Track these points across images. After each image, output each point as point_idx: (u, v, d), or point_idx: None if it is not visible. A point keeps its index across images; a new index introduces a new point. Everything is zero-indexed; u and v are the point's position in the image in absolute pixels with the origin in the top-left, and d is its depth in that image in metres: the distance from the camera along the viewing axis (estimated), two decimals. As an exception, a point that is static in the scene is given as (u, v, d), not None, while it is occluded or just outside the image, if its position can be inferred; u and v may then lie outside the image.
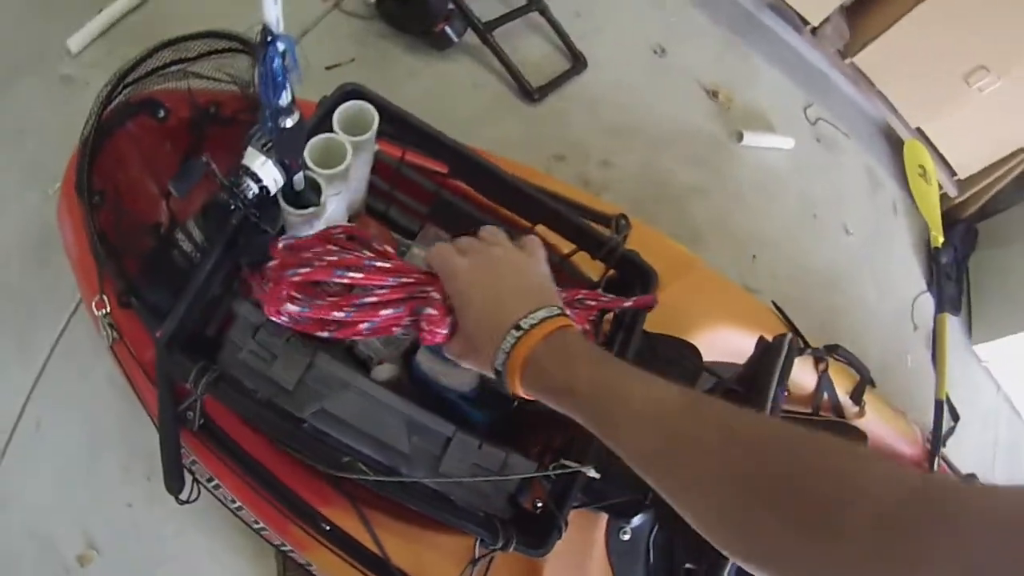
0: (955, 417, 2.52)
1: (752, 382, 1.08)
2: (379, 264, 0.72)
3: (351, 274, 0.70)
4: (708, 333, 1.28)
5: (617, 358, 0.64)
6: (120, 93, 1.00)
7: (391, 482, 0.75)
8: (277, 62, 0.59)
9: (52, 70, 1.68)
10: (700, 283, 1.42)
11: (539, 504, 0.87)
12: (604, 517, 1.07)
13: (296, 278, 0.69)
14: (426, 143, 0.94)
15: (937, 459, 1.74)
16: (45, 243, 1.46)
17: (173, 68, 1.02)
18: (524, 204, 0.98)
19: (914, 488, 0.43)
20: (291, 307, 0.69)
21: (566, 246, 1.03)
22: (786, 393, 1.53)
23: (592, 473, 0.80)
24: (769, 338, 1.14)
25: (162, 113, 1.01)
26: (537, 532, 0.81)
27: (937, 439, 1.78)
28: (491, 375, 0.67)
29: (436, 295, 0.71)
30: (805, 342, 1.52)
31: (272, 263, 0.73)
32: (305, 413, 0.75)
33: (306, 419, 0.76)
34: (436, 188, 1.01)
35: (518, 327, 0.64)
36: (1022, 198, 3.09)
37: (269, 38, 0.57)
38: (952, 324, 2.83)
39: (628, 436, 0.57)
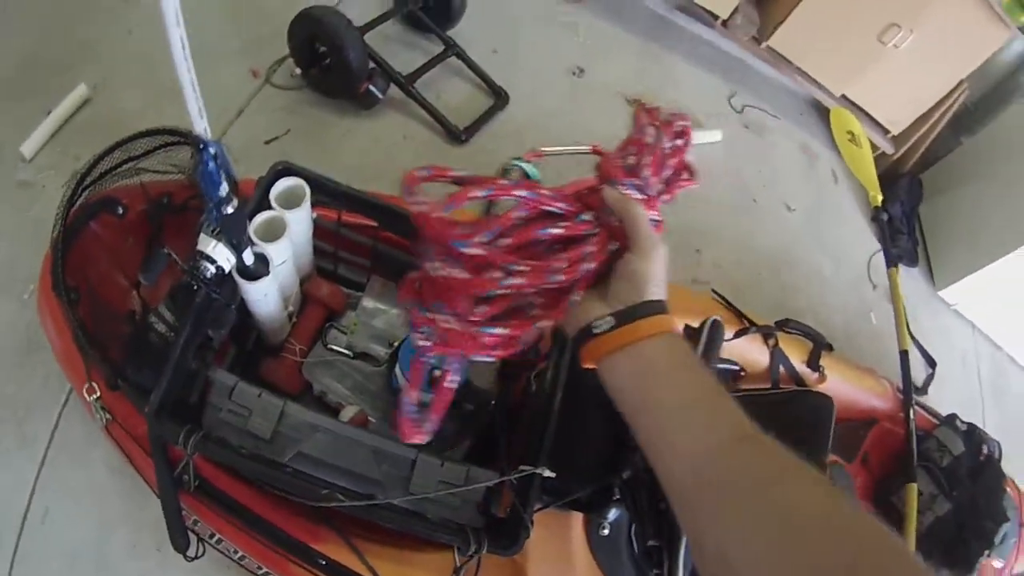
0: (931, 364, 2.60)
1: None
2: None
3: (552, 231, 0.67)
4: None
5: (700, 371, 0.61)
6: (80, 196, 1.09)
7: (367, 505, 0.84)
8: (211, 164, 0.69)
9: (9, 177, 1.73)
10: None
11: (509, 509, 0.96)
12: (580, 517, 1.13)
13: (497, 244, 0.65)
14: (354, 204, 1.04)
15: (912, 408, 1.77)
16: (28, 346, 1.51)
17: (125, 167, 1.12)
18: None
19: None
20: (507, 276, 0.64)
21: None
22: (742, 372, 1.64)
23: (547, 473, 0.89)
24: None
25: (120, 210, 1.10)
26: (506, 534, 0.90)
27: (908, 389, 1.81)
28: (572, 329, 0.66)
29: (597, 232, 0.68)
30: (750, 322, 1.61)
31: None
32: (284, 458, 0.85)
33: (286, 463, 0.85)
34: (372, 242, 1.12)
35: (646, 302, 0.62)
36: (959, 143, 3.22)
37: (201, 146, 0.67)
38: (914, 275, 3.00)
39: (665, 470, 0.57)
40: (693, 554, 0.55)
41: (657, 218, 0.71)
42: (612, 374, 0.61)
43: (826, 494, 0.51)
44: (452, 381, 0.66)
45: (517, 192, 0.67)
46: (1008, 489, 1.81)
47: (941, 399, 2.34)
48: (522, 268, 0.64)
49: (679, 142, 0.76)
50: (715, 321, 1.15)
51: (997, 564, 1.75)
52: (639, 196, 0.69)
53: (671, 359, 0.61)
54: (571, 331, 0.66)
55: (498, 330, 0.64)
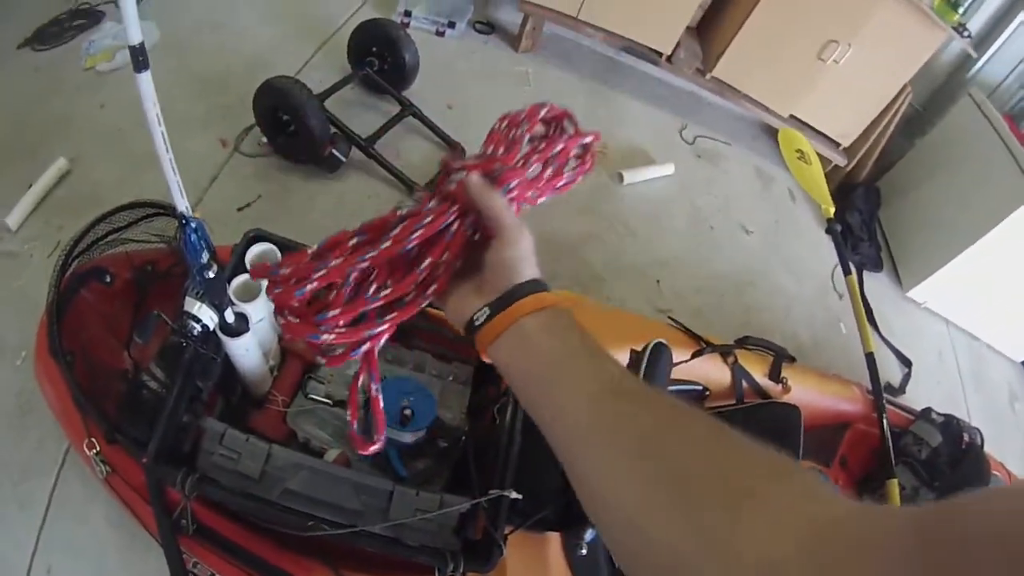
0: (906, 363, 2.71)
1: None
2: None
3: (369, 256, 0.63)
4: None
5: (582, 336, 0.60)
6: (70, 266, 1.18)
7: (350, 533, 0.92)
8: (193, 237, 0.78)
9: (-5, 250, 1.79)
10: (588, 319, 1.52)
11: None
12: (558, 538, 1.19)
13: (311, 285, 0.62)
14: (321, 262, 1.13)
15: (883, 406, 1.81)
16: (23, 409, 1.56)
17: (110, 237, 1.21)
18: None
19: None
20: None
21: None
22: (706, 392, 1.71)
23: (514, 495, 0.98)
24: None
25: (108, 278, 1.19)
26: (481, 554, 0.99)
27: (877, 389, 1.85)
28: (460, 326, 0.66)
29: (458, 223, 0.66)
30: (707, 343, 1.69)
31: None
32: (273, 495, 0.93)
33: (275, 499, 0.93)
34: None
35: (516, 286, 0.62)
36: (912, 145, 3.36)
37: (184, 222, 0.76)
38: (880, 279, 3.10)
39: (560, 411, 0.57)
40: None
41: (517, 198, 0.69)
42: (497, 356, 0.63)
43: (709, 442, 0.50)
44: (377, 391, 0.69)
45: (361, 259, 0.63)
46: (997, 471, 1.85)
47: (922, 396, 2.42)
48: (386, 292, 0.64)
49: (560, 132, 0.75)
50: (658, 343, 1.22)
51: None
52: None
53: (548, 327, 0.60)
54: (458, 327, 0.67)
55: (385, 325, 0.63)
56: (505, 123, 0.73)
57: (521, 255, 0.64)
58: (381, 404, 0.69)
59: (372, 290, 0.62)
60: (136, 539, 1.42)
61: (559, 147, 0.72)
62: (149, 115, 0.63)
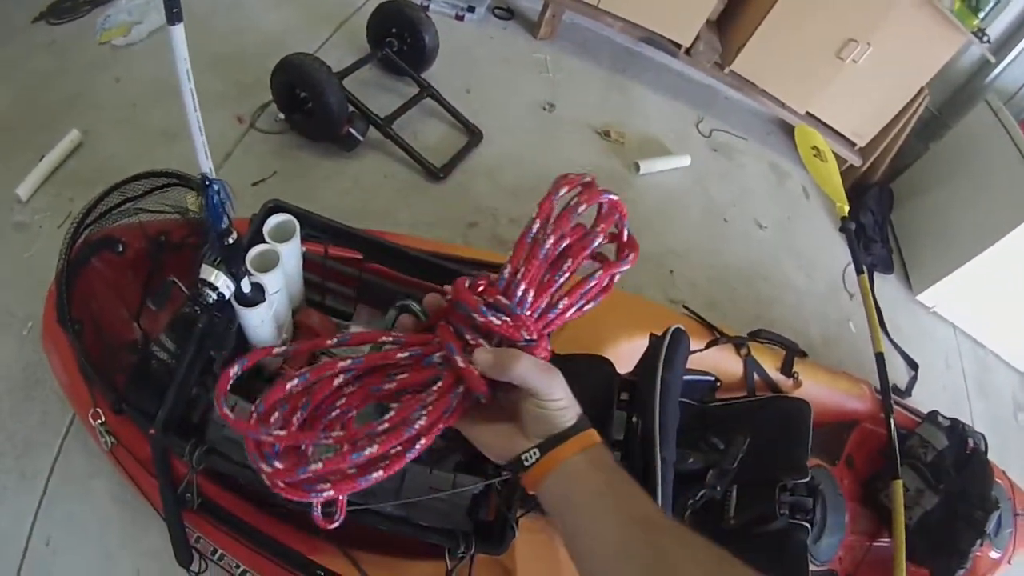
0: (913, 366, 2.70)
1: (644, 370, 1.19)
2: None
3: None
4: (621, 345, 1.43)
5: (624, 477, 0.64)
6: (82, 234, 1.16)
7: (361, 511, 0.90)
8: (215, 199, 0.76)
9: (5, 219, 1.79)
10: (606, 304, 1.52)
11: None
12: None
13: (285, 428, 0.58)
14: (340, 237, 1.13)
15: (891, 407, 1.79)
16: (28, 381, 1.56)
17: (123, 207, 1.19)
18: (427, 270, 1.17)
19: None
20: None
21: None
22: (718, 383, 1.70)
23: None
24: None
25: (120, 248, 1.17)
26: (494, 536, 0.97)
27: (886, 388, 1.83)
28: (501, 460, 0.67)
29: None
30: (721, 334, 1.68)
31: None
32: (282, 469, 0.91)
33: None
34: (357, 273, 1.20)
35: (564, 431, 0.64)
36: (926, 148, 3.34)
37: (207, 182, 0.74)
38: (891, 281, 3.09)
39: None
40: None
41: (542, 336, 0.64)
42: (546, 498, 0.65)
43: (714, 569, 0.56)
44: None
45: (341, 368, 0.60)
46: (999, 480, 1.84)
47: (927, 400, 2.41)
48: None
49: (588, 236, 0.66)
50: (677, 329, 1.20)
51: (994, 555, 1.78)
52: (506, 320, 0.62)
53: (596, 463, 0.64)
54: (497, 460, 0.69)
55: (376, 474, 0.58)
56: (551, 223, 0.65)
57: (563, 404, 0.66)
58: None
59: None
60: (138, 514, 1.41)
61: (592, 283, 0.66)
62: (180, 71, 0.61)
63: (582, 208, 0.65)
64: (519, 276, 0.63)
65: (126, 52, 2.28)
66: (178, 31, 0.58)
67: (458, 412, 0.64)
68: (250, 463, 0.57)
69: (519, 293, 0.62)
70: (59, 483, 1.48)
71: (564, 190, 0.66)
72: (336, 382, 0.60)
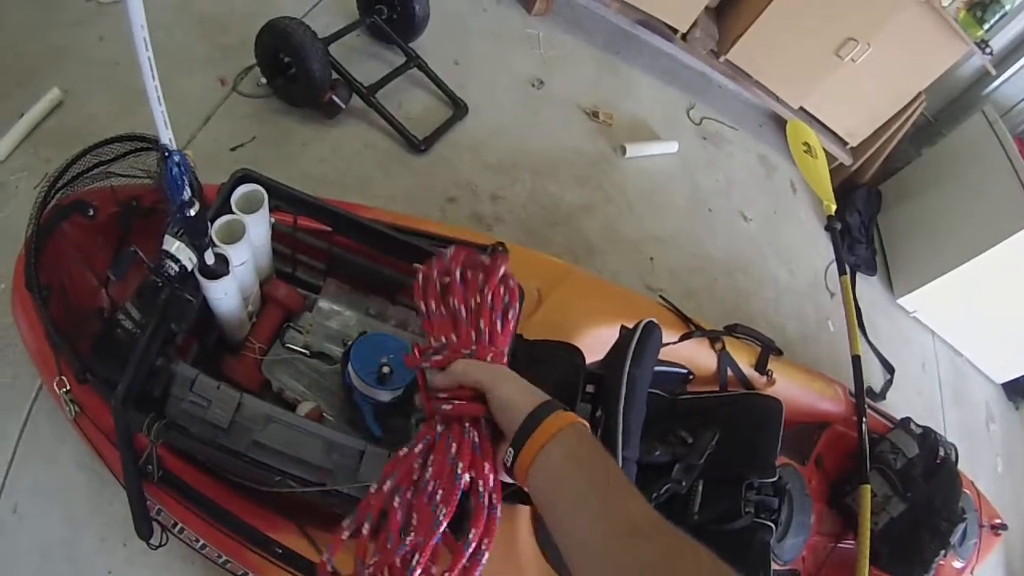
0: (890, 370, 2.73)
1: (611, 364, 1.18)
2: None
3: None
4: (593, 333, 1.42)
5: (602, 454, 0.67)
6: (53, 198, 1.14)
7: (317, 491, 0.89)
8: (175, 171, 0.74)
9: (-18, 178, 1.75)
10: (580, 289, 1.55)
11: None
12: (528, 511, 1.18)
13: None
14: (309, 210, 1.11)
15: (864, 411, 1.80)
16: (0, 343, 1.52)
17: (95, 171, 1.17)
18: (396, 247, 1.16)
19: None
20: None
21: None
22: (691, 376, 1.70)
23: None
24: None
25: (91, 212, 1.15)
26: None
27: (860, 393, 1.84)
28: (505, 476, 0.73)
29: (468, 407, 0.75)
30: (696, 326, 1.67)
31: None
32: (241, 446, 0.90)
33: (243, 451, 0.91)
34: (327, 246, 1.18)
35: (524, 422, 0.68)
36: (919, 154, 3.36)
37: (166, 154, 0.73)
38: (873, 283, 3.11)
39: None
40: None
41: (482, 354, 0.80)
42: (536, 497, 0.68)
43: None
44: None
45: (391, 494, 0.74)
46: (967, 490, 1.86)
47: (901, 404, 2.43)
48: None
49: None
50: (649, 322, 1.19)
51: (957, 564, 1.80)
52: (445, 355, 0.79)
53: (574, 455, 0.66)
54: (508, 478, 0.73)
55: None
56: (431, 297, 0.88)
57: (513, 390, 0.71)
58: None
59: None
60: (104, 483, 1.41)
61: (489, 296, 0.87)
62: (137, 38, 0.59)
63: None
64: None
65: (112, 9, 2.21)
66: (135, -3, 0.56)
67: (486, 442, 0.73)
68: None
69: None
70: (27, 449, 1.46)
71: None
72: (395, 503, 0.72)
